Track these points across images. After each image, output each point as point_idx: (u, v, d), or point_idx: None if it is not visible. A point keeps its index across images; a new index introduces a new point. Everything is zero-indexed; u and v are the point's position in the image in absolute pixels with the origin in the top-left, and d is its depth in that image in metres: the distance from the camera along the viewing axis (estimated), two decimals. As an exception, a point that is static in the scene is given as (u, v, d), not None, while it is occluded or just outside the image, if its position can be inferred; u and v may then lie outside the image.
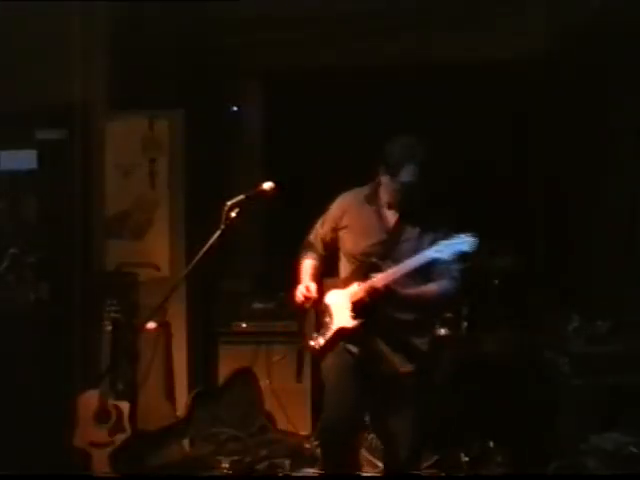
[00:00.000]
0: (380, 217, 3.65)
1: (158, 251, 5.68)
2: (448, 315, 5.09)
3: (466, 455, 4.73)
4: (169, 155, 5.72)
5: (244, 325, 5.59)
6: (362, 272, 3.55)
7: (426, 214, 3.58)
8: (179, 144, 5.73)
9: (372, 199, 3.69)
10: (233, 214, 3.61)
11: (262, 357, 5.38)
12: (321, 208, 3.92)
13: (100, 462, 4.44)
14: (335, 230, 3.76)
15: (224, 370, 5.48)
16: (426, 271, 3.48)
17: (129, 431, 4.49)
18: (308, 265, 3.80)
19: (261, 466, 4.92)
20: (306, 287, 3.66)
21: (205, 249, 3.54)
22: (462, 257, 3.33)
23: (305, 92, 6.06)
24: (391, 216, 3.64)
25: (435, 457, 4.70)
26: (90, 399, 4.53)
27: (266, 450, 5.01)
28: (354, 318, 3.51)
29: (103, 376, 4.59)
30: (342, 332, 3.55)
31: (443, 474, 4.66)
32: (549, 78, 5.69)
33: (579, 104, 5.51)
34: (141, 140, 5.74)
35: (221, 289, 5.83)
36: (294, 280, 3.77)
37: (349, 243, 3.70)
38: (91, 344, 5.16)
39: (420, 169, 3.49)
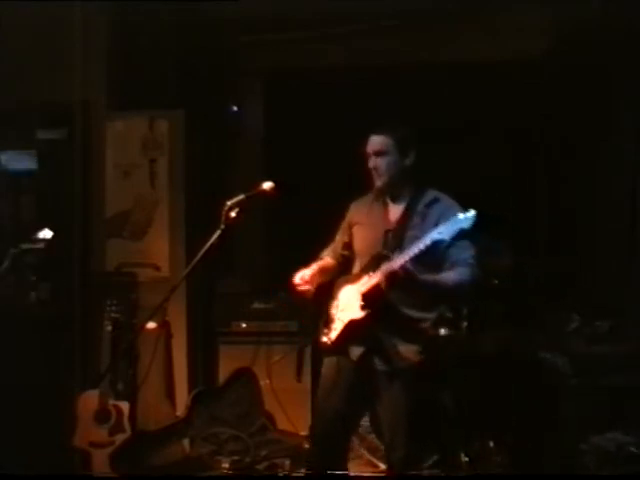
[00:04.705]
0: (386, 209, 3.71)
1: (158, 251, 5.68)
2: (448, 315, 5.09)
3: (466, 455, 4.73)
4: (169, 155, 5.72)
5: (244, 325, 5.59)
6: (372, 265, 3.56)
7: (427, 200, 3.63)
8: (179, 144, 5.73)
9: (377, 194, 3.75)
10: (233, 214, 3.62)
11: (262, 357, 5.38)
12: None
13: (100, 462, 4.43)
14: (350, 229, 3.82)
15: (224, 370, 5.48)
16: (441, 260, 3.50)
17: (129, 431, 4.49)
18: (321, 260, 3.87)
19: (261, 466, 4.92)
20: (302, 275, 3.69)
21: (205, 249, 3.55)
22: (462, 235, 3.30)
23: (305, 92, 6.06)
24: (396, 207, 3.69)
25: (435, 457, 4.71)
26: (90, 399, 4.53)
27: (266, 450, 5.01)
28: (363, 309, 3.51)
29: (103, 376, 4.58)
30: (352, 324, 3.55)
31: (443, 474, 4.66)
32: (549, 78, 5.68)
33: (579, 104, 5.51)
34: (141, 140, 5.74)
35: (221, 289, 5.83)
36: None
37: (359, 239, 3.76)
38: (91, 344, 5.16)
39: (384, 156, 3.62)
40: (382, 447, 4.76)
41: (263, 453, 4.99)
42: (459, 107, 5.76)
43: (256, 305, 5.62)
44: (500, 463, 4.71)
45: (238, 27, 5.95)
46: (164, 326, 5.38)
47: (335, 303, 3.68)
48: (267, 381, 5.35)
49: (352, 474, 3.82)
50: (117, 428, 4.48)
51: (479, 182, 5.87)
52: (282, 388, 5.29)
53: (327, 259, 3.90)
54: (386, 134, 3.66)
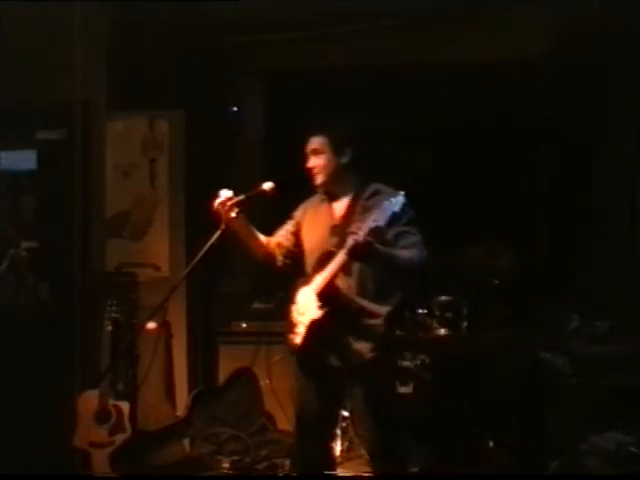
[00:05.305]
0: (331, 207, 3.75)
1: (158, 251, 5.68)
2: (448, 315, 5.10)
3: (466, 455, 4.73)
4: (169, 155, 5.72)
5: (244, 325, 5.59)
6: (321, 262, 3.59)
7: (368, 193, 3.67)
8: (179, 144, 5.73)
9: (320, 192, 3.82)
10: (233, 214, 3.61)
11: (262, 357, 5.38)
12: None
13: (100, 462, 4.43)
14: (298, 227, 3.85)
15: (224, 370, 5.49)
16: (392, 245, 3.52)
17: (129, 431, 4.49)
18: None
19: (261, 466, 4.92)
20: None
21: (205, 249, 3.54)
22: (395, 217, 3.33)
23: (305, 92, 6.05)
24: (340, 204, 3.73)
25: (434, 457, 4.71)
26: (90, 399, 4.53)
27: (266, 450, 5.01)
28: (320, 309, 3.53)
29: (103, 376, 4.59)
30: (313, 326, 3.57)
31: (443, 474, 4.66)
32: (549, 78, 5.68)
33: (579, 104, 5.51)
34: (141, 140, 5.74)
35: (221, 289, 5.83)
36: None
37: (308, 238, 3.78)
38: (91, 344, 5.16)
39: (320, 155, 3.69)
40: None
41: (263, 453, 5.00)
42: (459, 107, 5.76)
43: (256, 305, 5.62)
44: (500, 463, 4.71)
45: (238, 27, 5.95)
46: (164, 326, 5.39)
47: (295, 307, 3.70)
48: (267, 381, 5.35)
49: (352, 474, 3.82)
50: (117, 428, 4.48)
51: (479, 182, 5.88)
52: (282, 388, 5.29)
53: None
54: (320, 134, 3.73)
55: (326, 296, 3.52)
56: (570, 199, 5.67)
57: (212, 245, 3.60)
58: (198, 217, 5.54)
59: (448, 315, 5.09)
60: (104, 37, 5.61)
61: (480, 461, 4.75)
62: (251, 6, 5.60)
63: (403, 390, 4.91)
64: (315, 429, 3.71)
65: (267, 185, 3.73)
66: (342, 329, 3.57)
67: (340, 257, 3.44)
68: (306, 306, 3.61)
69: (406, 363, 4.99)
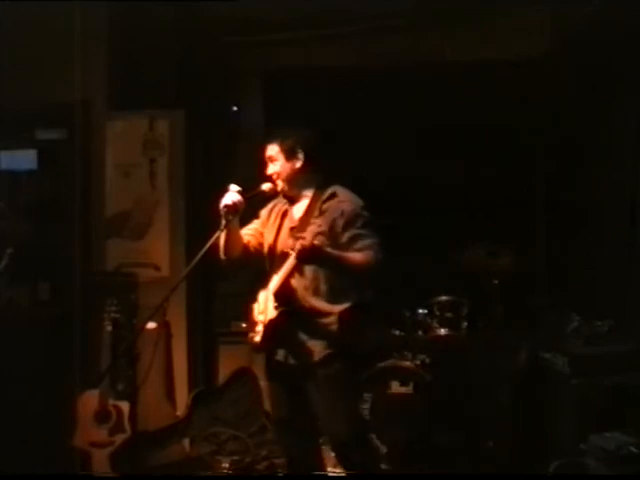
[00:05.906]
0: (290, 209, 3.80)
1: (158, 251, 5.68)
2: (448, 315, 5.10)
3: (466, 455, 4.73)
4: (169, 155, 5.72)
5: (244, 325, 5.59)
6: (278, 263, 3.65)
7: (326, 195, 3.71)
8: (179, 144, 5.73)
9: (281, 196, 3.86)
10: (231, 217, 3.61)
11: (262, 357, 5.36)
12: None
13: (100, 462, 4.44)
14: (263, 231, 3.87)
15: (224, 370, 5.49)
16: (347, 247, 3.57)
17: (129, 431, 4.50)
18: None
19: (261, 466, 4.93)
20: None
21: (205, 249, 3.54)
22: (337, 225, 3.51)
23: (305, 92, 6.05)
24: (299, 206, 3.78)
25: (434, 457, 4.72)
26: (90, 399, 4.54)
27: (266, 450, 5.02)
28: (276, 309, 3.60)
29: (103, 376, 4.59)
30: (270, 325, 3.61)
31: (443, 474, 4.66)
32: (549, 78, 5.68)
33: (579, 104, 5.51)
34: (141, 140, 5.74)
35: (221, 289, 5.83)
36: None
37: (269, 240, 3.81)
38: (91, 344, 5.16)
39: (274, 162, 3.74)
40: (381, 447, 4.78)
41: (263, 453, 5.00)
42: (459, 107, 5.75)
43: (256, 305, 5.62)
44: (500, 463, 4.71)
45: (238, 27, 5.95)
46: (164, 326, 5.39)
47: (255, 306, 3.75)
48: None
49: (351, 474, 3.82)
50: (117, 428, 4.49)
51: (478, 182, 5.88)
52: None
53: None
54: (272, 141, 3.78)
55: (281, 296, 3.60)
56: (570, 199, 5.67)
57: (212, 245, 3.60)
58: (198, 217, 5.55)
59: (448, 315, 5.09)
60: (104, 37, 5.62)
61: (480, 461, 4.76)
62: (251, 6, 5.60)
63: (403, 390, 4.92)
64: (292, 427, 3.74)
65: (266, 186, 3.75)
66: (297, 328, 3.64)
67: (291, 260, 3.52)
68: (264, 306, 3.67)
69: (406, 363, 5.00)
